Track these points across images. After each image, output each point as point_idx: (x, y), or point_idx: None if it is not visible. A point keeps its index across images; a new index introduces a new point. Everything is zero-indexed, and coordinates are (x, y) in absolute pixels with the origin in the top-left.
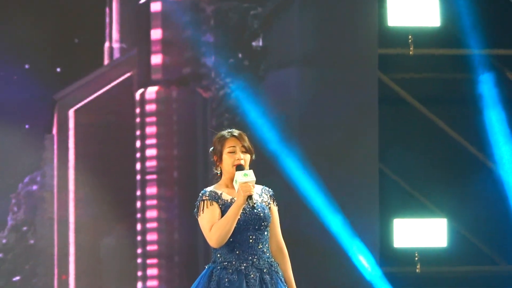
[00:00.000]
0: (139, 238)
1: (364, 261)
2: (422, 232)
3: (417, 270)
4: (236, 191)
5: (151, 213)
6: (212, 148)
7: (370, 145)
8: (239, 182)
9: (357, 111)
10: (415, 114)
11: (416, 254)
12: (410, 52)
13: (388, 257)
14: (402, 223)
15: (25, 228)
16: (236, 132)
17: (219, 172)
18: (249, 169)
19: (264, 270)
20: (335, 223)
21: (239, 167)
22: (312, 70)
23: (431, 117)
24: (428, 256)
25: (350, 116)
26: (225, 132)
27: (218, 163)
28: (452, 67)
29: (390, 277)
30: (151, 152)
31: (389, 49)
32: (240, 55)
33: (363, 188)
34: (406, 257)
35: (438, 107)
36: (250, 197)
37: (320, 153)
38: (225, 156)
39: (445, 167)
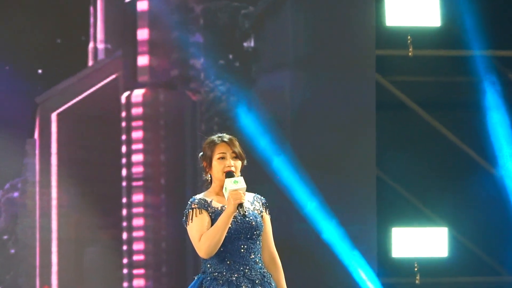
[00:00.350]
0: (125, 247)
1: (361, 272)
2: (421, 242)
3: (417, 281)
4: (226, 199)
5: (138, 221)
6: (201, 153)
7: (367, 151)
8: (229, 190)
9: (354, 115)
10: (414, 118)
11: (416, 265)
12: (409, 54)
13: (386, 267)
14: (400, 232)
15: (5, 237)
16: (226, 137)
17: (208, 179)
18: (240, 175)
19: (256, 281)
20: (331, 232)
21: (229, 174)
22: (306, 72)
23: (431, 121)
24: (428, 267)
25: (346, 120)
26: (215, 137)
27: (207, 169)
28: (453, 69)
29: None
30: (137, 157)
31: (387, 50)
32: (230, 57)
33: (360, 196)
34: (405, 267)
35: (438, 111)
36: (240, 205)
37: (315, 159)
38: (215, 162)
39: (446, 174)
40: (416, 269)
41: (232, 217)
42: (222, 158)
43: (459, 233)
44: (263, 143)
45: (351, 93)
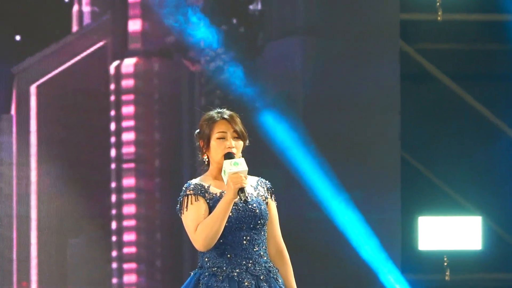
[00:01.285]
0: (114, 238)
1: (384, 267)
2: (452, 233)
3: (446, 278)
4: (225, 183)
5: (129, 209)
6: (198, 131)
7: (391, 128)
8: (228, 173)
9: (375, 88)
10: (443, 91)
11: (445, 259)
12: (438, 18)
13: (411, 262)
14: (428, 222)
15: None
16: (227, 113)
17: (205, 160)
18: (241, 157)
19: (261, 277)
20: (348, 221)
21: (229, 155)
22: (320, 40)
23: (462, 94)
24: (459, 261)
25: (366, 94)
26: (214, 113)
27: (204, 150)
28: (488, 36)
29: (414, 285)
30: (128, 136)
31: (413, 14)
32: (234, 21)
33: (383, 181)
34: (433, 262)
35: (470, 83)
36: (241, 189)
37: (330, 139)
38: (213, 142)
39: (480, 155)
40: (445, 263)
41: (233, 203)
42: (222, 138)
43: (495, 222)
44: (270, 120)
45: (372, 63)
